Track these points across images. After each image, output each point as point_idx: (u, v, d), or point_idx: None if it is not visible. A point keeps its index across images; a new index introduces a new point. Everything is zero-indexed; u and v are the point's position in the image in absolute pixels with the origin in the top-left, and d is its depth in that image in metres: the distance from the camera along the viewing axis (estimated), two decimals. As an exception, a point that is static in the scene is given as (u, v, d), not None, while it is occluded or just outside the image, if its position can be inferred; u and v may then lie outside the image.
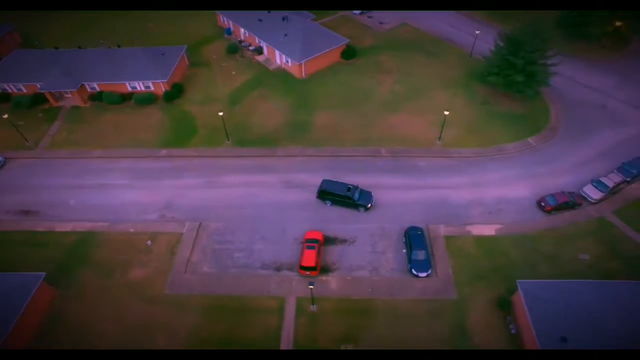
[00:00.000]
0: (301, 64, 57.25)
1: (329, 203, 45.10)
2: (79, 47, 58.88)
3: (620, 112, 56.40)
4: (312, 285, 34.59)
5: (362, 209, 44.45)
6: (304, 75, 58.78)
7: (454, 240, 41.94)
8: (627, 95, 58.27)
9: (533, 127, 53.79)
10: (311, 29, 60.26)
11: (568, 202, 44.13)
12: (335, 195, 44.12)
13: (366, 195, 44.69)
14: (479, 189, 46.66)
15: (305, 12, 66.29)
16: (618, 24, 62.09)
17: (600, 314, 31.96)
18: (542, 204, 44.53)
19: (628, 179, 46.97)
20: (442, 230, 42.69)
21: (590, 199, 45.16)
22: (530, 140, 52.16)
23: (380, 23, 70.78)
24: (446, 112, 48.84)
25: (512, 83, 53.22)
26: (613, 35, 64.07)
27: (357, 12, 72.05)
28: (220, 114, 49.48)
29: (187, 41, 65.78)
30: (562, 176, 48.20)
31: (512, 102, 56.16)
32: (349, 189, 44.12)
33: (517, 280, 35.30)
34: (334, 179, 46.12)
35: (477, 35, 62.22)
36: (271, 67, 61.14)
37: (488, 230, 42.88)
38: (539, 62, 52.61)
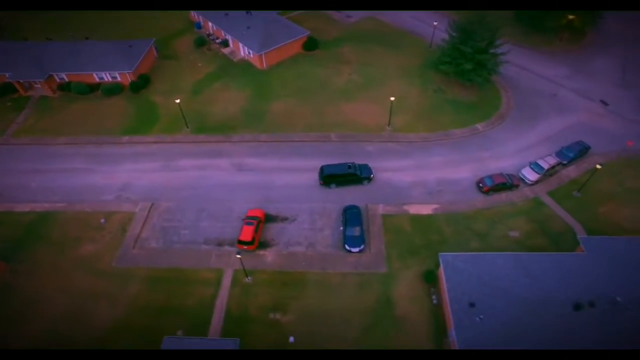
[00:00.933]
0: (261, 55, 59.45)
1: (333, 186, 46.57)
2: (48, 39, 61.61)
3: (569, 100, 57.96)
4: (239, 254, 36.67)
5: (365, 182, 46.76)
6: (265, 66, 60.95)
7: (391, 219, 43.80)
8: (576, 85, 59.88)
9: (483, 114, 55.48)
10: (273, 21, 62.37)
11: (505, 183, 45.80)
12: (339, 176, 45.89)
13: (366, 168, 47.14)
14: (422, 172, 48.48)
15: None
16: (570, 17, 63.54)
17: (509, 282, 33.63)
18: (480, 184, 46.26)
19: (565, 162, 48.62)
20: (381, 209, 44.57)
21: (527, 181, 46.78)
22: (478, 126, 53.85)
23: (347, 17, 72.81)
24: (392, 98, 50.71)
25: (462, 71, 54.89)
26: (567, 28, 65.52)
27: (326, 6, 74.20)
28: (177, 101, 51.91)
29: (159, 35, 68.30)
30: (505, 160, 49.86)
31: (465, 90, 57.87)
32: (349, 167, 46.14)
33: (439, 253, 37.13)
34: (286, 163, 48.78)
35: (435, 26, 63.98)
36: (235, 59, 63.45)
37: (425, 209, 44.69)
38: (489, 50, 54.28)
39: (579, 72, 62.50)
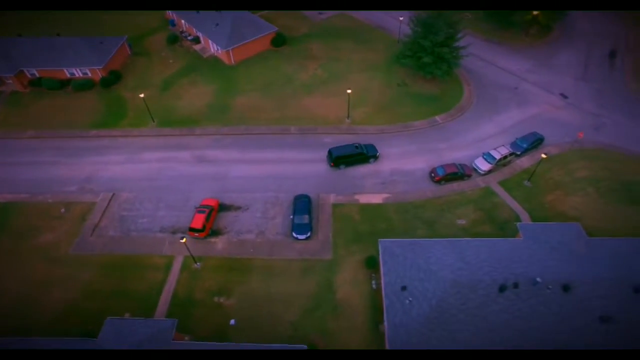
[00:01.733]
0: (228, 51, 60.75)
1: (343, 167, 48.76)
2: (19, 35, 63.13)
3: (530, 93, 58.89)
4: (183, 239, 37.87)
5: (372, 160, 49.06)
6: (232, 61, 62.22)
7: (341, 208, 44.87)
8: (539, 78, 60.85)
9: (443, 106, 56.46)
10: (242, 18, 63.54)
11: (456, 173, 46.73)
12: (348, 156, 48.25)
13: (372, 147, 49.46)
14: (377, 163, 49.51)
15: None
16: (535, 13, 64.36)
17: (441, 266, 34.38)
18: (432, 174, 47.21)
19: (518, 153, 49.53)
20: (332, 198, 45.65)
21: (479, 170, 47.69)
22: (437, 118, 54.82)
23: (319, 13, 73.96)
24: (349, 91, 51.84)
25: (423, 65, 55.89)
26: (533, 24, 66.34)
27: (299, 3, 75.43)
28: (142, 96, 53.26)
29: (134, 32, 69.82)
30: (461, 151, 50.83)
31: (429, 83, 58.82)
32: (356, 147, 48.59)
33: (379, 239, 38.16)
34: (246, 155, 50.34)
35: (401, 21, 65.01)
36: (205, 55, 64.78)
37: (375, 199, 45.72)
38: (448, 44, 55.10)
39: (543, 65, 63.36)
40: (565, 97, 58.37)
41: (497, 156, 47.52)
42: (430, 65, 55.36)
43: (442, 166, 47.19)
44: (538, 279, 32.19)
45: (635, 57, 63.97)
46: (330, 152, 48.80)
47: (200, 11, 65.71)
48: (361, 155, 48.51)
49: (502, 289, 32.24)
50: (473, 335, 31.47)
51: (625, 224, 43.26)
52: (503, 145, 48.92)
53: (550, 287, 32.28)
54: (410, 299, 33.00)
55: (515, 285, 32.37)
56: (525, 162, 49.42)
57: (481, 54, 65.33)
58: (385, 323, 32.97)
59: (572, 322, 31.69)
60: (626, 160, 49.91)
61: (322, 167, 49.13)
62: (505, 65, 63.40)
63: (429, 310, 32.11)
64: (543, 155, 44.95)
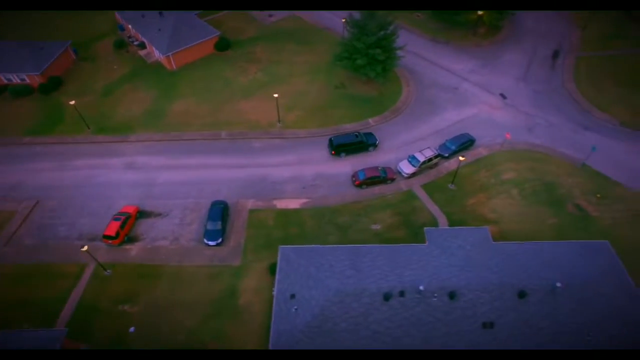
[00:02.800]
0: (169, 56, 60.68)
1: (343, 154, 49.80)
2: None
3: (470, 93, 58.34)
4: (84, 248, 37.87)
5: (371, 148, 50.29)
6: (174, 67, 62.13)
7: (257, 213, 44.73)
8: (481, 78, 60.34)
9: (379, 108, 56.09)
10: (184, 22, 63.29)
11: (378, 177, 46.34)
12: (349, 145, 49.45)
13: (371, 136, 50.85)
14: (302, 167, 49.28)
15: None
16: (480, 12, 63.70)
17: (331, 273, 34.06)
18: (353, 178, 46.89)
19: (446, 155, 49.00)
20: (250, 204, 45.51)
21: (403, 174, 47.27)
22: (370, 120, 54.43)
23: (269, 15, 73.63)
24: (275, 95, 51.54)
25: (357, 66, 55.46)
26: (478, 23, 65.65)
27: (251, 6, 75.21)
28: (72, 102, 53.28)
29: (84, 37, 69.75)
30: (390, 153, 50.51)
31: (367, 85, 58.43)
32: (356, 136, 49.94)
33: (279, 246, 37.95)
34: (174, 161, 50.42)
35: (345, 22, 64.46)
36: (149, 61, 64.73)
37: (293, 204, 45.52)
38: (382, 45, 54.48)
39: (487, 65, 62.71)
40: (504, 97, 57.75)
41: (422, 159, 47.06)
42: (364, 67, 54.90)
43: (363, 170, 46.85)
44: (421, 287, 31.81)
45: (576, 57, 63.16)
46: (330, 141, 50.06)
47: (145, 15, 65.74)
48: (361, 143, 49.74)
49: (386, 297, 31.92)
50: (354, 344, 31.23)
51: (542, 227, 42.98)
52: (429, 148, 48.44)
53: (436, 295, 31.93)
54: (296, 307, 32.80)
55: (402, 294, 32.05)
56: (453, 164, 48.87)
57: (426, 54, 64.80)
58: (271, 330, 32.82)
59: (455, 330, 31.38)
60: (552, 161, 49.43)
61: (246, 171, 48.92)
62: (449, 65, 62.78)
63: (311, 318, 31.87)
64: (461, 158, 44.51)
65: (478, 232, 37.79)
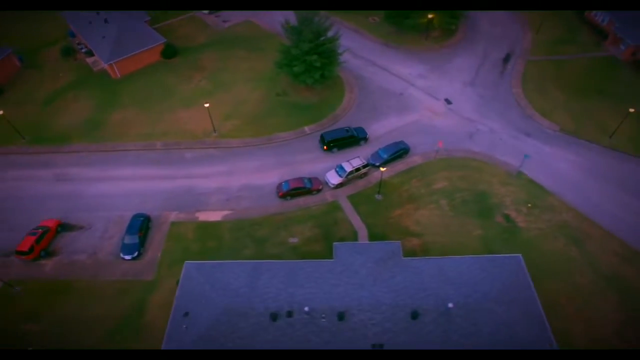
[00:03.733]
0: (112, 64, 60.11)
1: (335, 150, 50.41)
2: None
3: (414, 99, 57.19)
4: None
5: (362, 142, 51.12)
6: (118, 75, 61.55)
7: (178, 226, 44.04)
8: (427, 83, 59.25)
9: (317, 116, 55.14)
10: (130, 29, 62.56)
11: (302, 188, 45.41)
12: (340, 139, 50.26)
13: (362, 130, 51.75)
14: (231, 178, 48.50)
15: (143, 13, 68.89)
16: (430, 16, 62.45)
17: (222, 291, 33.23)
18: (277, 190, 45.99)
19: (377, 164, 47.87)
20: (173, 217, 44.83)
21: (330, 184, 46.29)
22: (306, 128, 53.49)
23: (224, 22, 72.85)
24: (206, 105, 50.73)
25: (296, 74, 54.50)
26: (428, 27, 64.41)
27: (206, 11, 74.37)
28: (1, 112, 52.68)
29: (33, 43, 69.19)
30: (321, 162, 49.56)
31: (309, 92, 57.47)
32: (347, 131, 50.81)
33: (185, 262, 37.20)
34: (106, 172, 49.87)
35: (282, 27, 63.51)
36: (95, 69, 64.15)
37: (215, 216, 44.77)
38: (319, 52, 53.36)
39: (436, 70, 61.47)
40: (449, 103, 56.56)
41: (348, 168, 46.02)
42: (302, 74, 53.96)
43: (288, 181, 45.96)
44: (306, 308, 30.88)
45: (526, 61, 61.73)
46: (322, 137, 50.55)
47: (93, 22, 65.13)
48: (352, 138, 50.51)
49: (273, 317, 31.07)
50: (239, 366, 30.41)
51: (466, 239, 41.96)
52: (357, 157, 47.37)
53: (324, 316, 31.00)
54: (185, 325, 32.05)
55: (289, 314, 31.17)
56: (385, 173, 47.75)
57: (376, 58, 63.64)
58: (162, 348, 32.10)
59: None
60: (488, 169, 48.28)
61: (174, 183, 48.20)
62: (397, 70, 61.58)
63: (198, 338, 31.12)
64: (382, 169, 43.45)
65: (388, 247, 36.73)
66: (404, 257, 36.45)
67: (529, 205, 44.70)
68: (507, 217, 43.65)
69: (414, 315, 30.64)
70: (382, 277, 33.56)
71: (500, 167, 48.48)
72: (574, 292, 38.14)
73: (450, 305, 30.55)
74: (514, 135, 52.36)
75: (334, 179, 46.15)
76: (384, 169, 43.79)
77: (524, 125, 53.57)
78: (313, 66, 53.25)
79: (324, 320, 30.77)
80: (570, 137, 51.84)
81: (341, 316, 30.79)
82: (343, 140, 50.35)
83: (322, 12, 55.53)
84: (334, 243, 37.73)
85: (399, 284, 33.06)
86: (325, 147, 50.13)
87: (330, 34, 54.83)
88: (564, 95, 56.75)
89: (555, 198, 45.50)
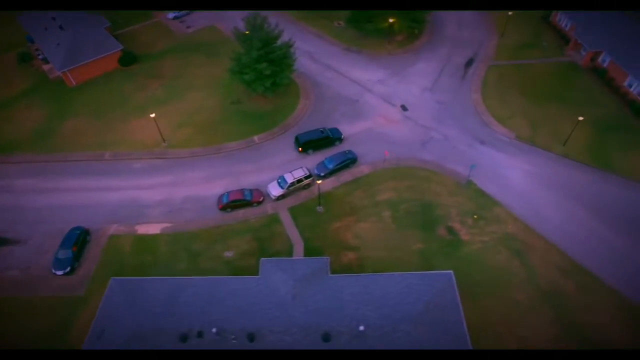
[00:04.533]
0: (66, 72, 59.49)
1: (311, 151, 50.32)
2: None
3: (370, 106, 56.24)
4: None
5: (337, 142, 51.10)
6: (73, 83, 60.93)
7: (116, 239, 43.33)
8: (385, 89, 58.31)
9: (268, 124, 54.22)
10: (86, 36, 61.78)
11: (241, 200, 44.57)
12: (315, 141, 50.19)
13: (337, 131, 51.66)
14: (175, 189, 47.73)
15: (104, 18, 68.23)
16: (391, 20, 61.34)
17: (137, 310, 32.62)
18: (218, 202, 45.16)
19: (322, 174, 47.00)
20: (112, 229, 44.10)
21: (271, 195, 45.41)
22: (255, 137, 52.62)
23: (188, 27, 72.06)
24: (152, 115, 50.03)
25: (247, 82, 53.60)
26: (390, 31, 63.31)
27: (171, 16, 73.60)
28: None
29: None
30: (267, 173, 48.58)
31: (264, 100, 56.58)
32: (322, 132, 50.72)
33: (111, 277, 36.48)
34: (50, 184, 49.15)
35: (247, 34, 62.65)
36: (51, 76, 63.52)
37: (154, 229, 44.03)
38: (269, 59, 52.35)
39: (395, 75, 60.42)
40: (405, 109, 55.51)
41: (290, 180, 45.11)
42: (253, 82, 53.07)
43: (228, 193, 45.15)
44: (214, 330, 30.11)
45: (488, 66, 60.52)
46: (297, 139, 50.53)
47: (48, 28, 64.37)
48: (327, 138, 50.43)
49: (183, 338, 30.33)
50: (145, 389, 29.67)
51: (405, 253, 41.03)
52: (300, 168, 46.46)
53: (234, 337, 30.20)
54: (99, 347, 31.34)
55: (200, 334, 30.40)
56: (328, 184, 46.97)
57: (336, 64, 62.64)
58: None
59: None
60: (437, 179, 47.23)
61: (118, 194, 47.44)
62: (357, 76, 60.52)
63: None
64: (318, 182, 42.51)
65: (316, 263, 35.85)
66: (332, 274, 35.59)
67: (475, 216, 43.64)
68: (450, 230, 42.61)
69: (326, 338, 29.77)
70: (302, 296, 32.71)
71: (450, 177, 47.43)
72: (510, 309, 37.11)
73: (361, 328, 29.62)
74: (468, 143, 51.27)
75: (275, 190, 45.28)
76: (320, 181, 42.77)
77: (479, 132, 52.45)
78: (263, 74, 52.38)
79: (234, 341, 29.99)
80: (525, 145, 50.73)
81: (251, 337, 30.00)
82: (318, 141, 50.26)
83: (273, 19, 54.86)
84: (261, 259, 36.86)
85: (318, 303, 32.20)
86: (300, 149, 49.94)
87: (287, 39, 54.33)
88: (523, 101, 55.58)
89: (503, 209, 44.41)
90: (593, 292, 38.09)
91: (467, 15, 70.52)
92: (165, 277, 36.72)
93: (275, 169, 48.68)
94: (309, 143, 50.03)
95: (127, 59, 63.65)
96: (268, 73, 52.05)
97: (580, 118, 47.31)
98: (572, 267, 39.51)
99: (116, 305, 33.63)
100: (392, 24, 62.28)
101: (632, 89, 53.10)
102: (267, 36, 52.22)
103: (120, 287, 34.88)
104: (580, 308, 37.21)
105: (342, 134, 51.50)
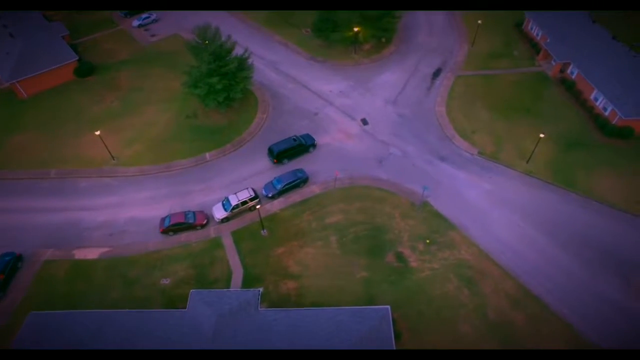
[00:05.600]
0: (15, 83, 57.50)
1: (286, 161, 49.01)
2: None
3: (329, 119, 54.23)
4: None
5: (311, 149, 50.15)
6: (25, 95, 59.01)
7: (51, 265, 41.39)
8: (347, 102, 56.45)
9: (222, 140, 52.19)
10: (38, 45, 59.74)
11: (183, 223, 42.61)
12: (289, 150, 48.83)
13: (309, 137, 50.62)
14: (119, 210, 45.78)
15: (62, 26, 66.28)
16: (356, 29, 59.18)
17: (90, 343, 30.99)
18: (160, 225, 43.24)
19: (270, 195, 45.00)
20: (48, 254, 42.20)
21: (215, 218, 43.47)
22: (207, 154, 50.61)
23: (152, 36, 70.03)
24: (97, 132, 48.11)
25: (199, 96, 51.61)
26: (356, 40, 61.14)
27: (135, 23, 71.60)
28: None
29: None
30: (215, 193, 46.67)
31: (219, 113, 54.52)
32: (294, 140, 49.43)
33: (31, 312, 34.66)
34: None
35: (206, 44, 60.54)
36: (0, 87, 61.49)
37: (93, 253, 42.14)
38: (220, 73, 50.26)
39: (359, 87, 58.30)
40: (365, 123, 53.41)
41: (234, 202, 43.12)
42: (205, 96, 51.09)
43: (169, 215, 43.22)
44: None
45: (455, 76, 58.28)
46: (270, 150, 49.10)
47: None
48: (300, 146, 49.38)
49: (92, 382, 28.49)
50: None
51: (349, 282, 39.00)
52: (246, 189, 44.45)
53: (146, 380, 28.34)
54: (4, 391, 29.57)
55: (109, 379, 28.56)
56: (276, 205, 44.99)
57: (299, 74, 60.55)
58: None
59: None
60: (391, 200, 45.23)
61: (58, 215, 45.46)
62: (319, 88, 58.44)
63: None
64: (257, 207, 40.56)
65: (245, 295, 34.01)
66: (264, 306, 33.76)
67: (427, 241, 41.55)
68: (399, 256, 40.52)
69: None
70: (224, 333, 30.86)
71: (405, 198, 45.31)
72: (454, 344, 35.01)
73: (280, 371, 27.73)
74: (427, 160, 49.15)
75: (219, 213, 43.31)
76: (259, 207, 40.80)
77: (441, 148, 50.31)
78: (215, 88, 50.30)
79: (146, 385, 28.16)
80: (487, 162, 48.61)
81: (164, 382, 28.15)
82: (292, 149, 48.94)
83: (238, 27, 52.88)
84: (191, 291, 35.02)
85: (238, 340, 30.32)
86: (275, 160, 48.49)
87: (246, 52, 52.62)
88: (488, 114, 53.42)
89: (458, 232, 42.30)
90: (543, 323, 36.00)
91: (438, 22, 68.42)
92: (89, 310, 34.91)
93: (225, 189, 46.76)
94: (283, 153, 48.57)
95: (84, 70, 61.64)
96: (219, 88, 50.03)
97: (542, 135, 45.10)
98: (524, 297, 37.42)
99: (32, 343, 31.81)
100: (357, 33, 60.15)
101: (597, 103, 50.86)
102: (219, 49, 50.19)
103: (40, 322, 33.10)
104: (529, 341, 35.16)
105: (315, 140, 50.28)
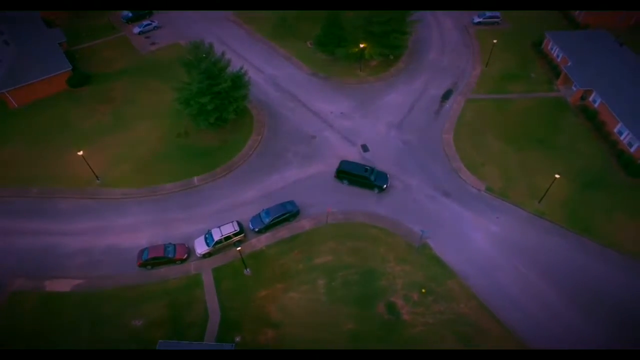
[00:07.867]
0: (5, 93, 55.40)
1: (346, 182, 46.16)
2: None
3: (327, 144, 50.85)
4: None
5: (376, 190, 45.47)
6: (16, 105, 56.99)
7: (19, 297, 38.99)
8: (348, 124, 53.06)
9: (212, 164, 49.22)
10: (32, 53, 57.56)
11: (162, 257, 39.83)
12: (353, 175, 45.58)
13: (382, 177, 45.78)
14: (98, 236, 43.22)
15: (60, 33, 64.18)
16: (362, 45, 55.51)
17: None
18: (137, 257, 40.51)
19: (256, 229, 41.90)
20: (17, 284, 39.80)
21: (196, 253, 40.59)
22: (195, 179, 47.72)
23: (152, 44, 67.44)
24: (80, 153, 45.48)
25: (191, 115, 48.81)
26: (361, 56, 57.43)
27: (136, 30, 69.21)
28: None
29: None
30: (201, 223, 43.69)
31: (213, 133, 51.58)
32: (366, 170, 45.58)
33: (-13, 355, 32.38)
34: None
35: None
36: (-5, 98, 59.93)
37: (65, 285, 39.70)
38: (216, 92, 47.33)
39: (362, 107, 54.72)
40: (365, 149, 49.85)
41: (217, 236, 40.13)
42: (196, 116, 48.27)
43: (148, 248, 40.50)
44: None
45: (465, 99, 54.12)
46: (340, 164, 46.54)
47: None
48: (366, 179, 45.34)
49: None
50: None
51: (334, 334, 35.96)
52: (231, 222, 41.39)
53: None
54: None
55: None
56: (263, 240, 41.91)
57: (300, 92, 57.21)
58: None
59: None
60: (386, 240, 41.77)
61: (35, 240, 42.99)
62: (319, 107, 55.00)
63: None
64: (238, 249, 37.50)
65: (217, 348, 30.98)
66: (236, 364, 30.61)
67: (423, 290, 37.94)
68: (390, 307, 37.00)
69: None
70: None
71: (403, 238, 41.70)
72: (445, 415, 31.51)
73: None
74: (430, 195, 45.39)
75: (200, 247, 40.41)
76: (239, 249, 37.70)
77: (446, 181, 46.48)
78: (206, 108, 47.37)
79: None
80: (495, 199, 44.63)
81: None
82: (356, 177, 45.55)
83: (240, 38, 49.81)
84: (159, 341, 32.25)
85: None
86: (335, 175, 46.48)
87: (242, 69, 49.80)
88: (499, 144, 49.33)
89: (458, 281, 38.59)
90: (548, 397, 32.20)
91: (452, 38, 64.22)
92: (53, 349, 32.33)
93: (210, 219, 43.73)
94: (346, 174, 45.65)
95: (77, 80, 59.23)
96: (210, 108, 47.08)
97: (557, 176, 40.85)
98: (525, 363, 33.61)
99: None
100: (362, 49, 56.50)
101: (622, 138, 46.22)
102: (212, 66, 47.15)
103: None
104: (530, 417, 31.42)
105: (386, 183, 45.32)
